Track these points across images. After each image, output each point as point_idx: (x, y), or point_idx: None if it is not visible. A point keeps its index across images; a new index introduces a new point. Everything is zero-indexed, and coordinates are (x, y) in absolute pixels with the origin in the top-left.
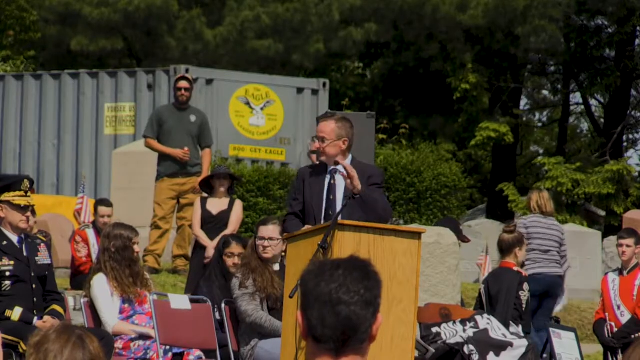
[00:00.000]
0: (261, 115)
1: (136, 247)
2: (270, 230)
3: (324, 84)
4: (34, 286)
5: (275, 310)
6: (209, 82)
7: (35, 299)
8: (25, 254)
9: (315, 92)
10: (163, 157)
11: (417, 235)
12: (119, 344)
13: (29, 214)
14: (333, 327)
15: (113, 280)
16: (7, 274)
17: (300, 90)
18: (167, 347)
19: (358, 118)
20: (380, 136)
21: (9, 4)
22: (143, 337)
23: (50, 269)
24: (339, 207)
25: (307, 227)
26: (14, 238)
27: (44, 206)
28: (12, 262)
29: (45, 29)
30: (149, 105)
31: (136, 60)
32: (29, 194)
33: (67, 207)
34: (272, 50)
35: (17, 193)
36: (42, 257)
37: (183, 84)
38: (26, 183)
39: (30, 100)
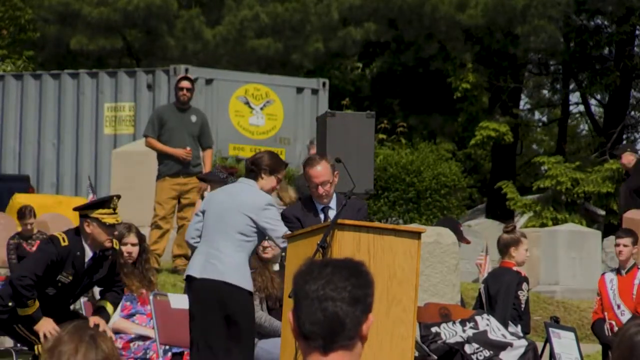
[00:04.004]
0: (261, 115)
1: (127, 247)
2: None
3: (324, 84)
4: (69, 300)
5: (275, 310)
6: (209, 81)
7: (58, 309)
8: (86, 271)
9: (315, 91)
10: (164, 157)
11: (416, 235)
12: (118, 344)
13: (115, 232)
14: (320, 323)
15: None
16: (59, 284)
17: (300, 90)
18: (167, 347)
19: (357, 118)
20: (380, 136)
21: (3, 3)
22: (143, 336)
23: (107, 277)
24: None
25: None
26: (89, 254)
27: (44, 206)
28: (70, 278)
29: (44, 28)
30: (149, 105)
31: (135, 59)
32: (116, 211)
33: (67, 207)
34: (272, 49)
35: (107, 211)
36: (101, 273)
37: (185, 83)
38: (115, 201)
39: (30, 100)
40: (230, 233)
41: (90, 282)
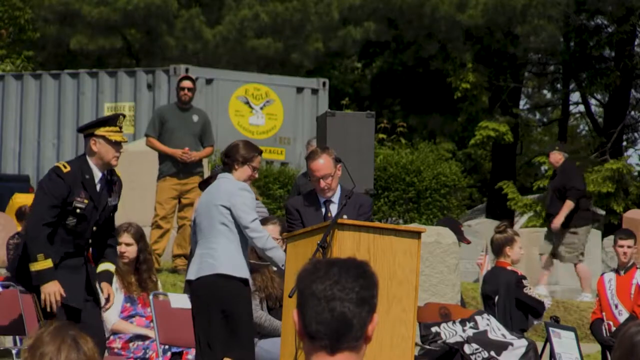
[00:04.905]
0: (261, 115)
1: (121, 247)
2: (270, 230)
3: (324, 84)
4: (94, 228)
5: (275, 309)
6: (209, 81)
7: (84, 241)
8: (100, 193)
9: (315, 91)
10: (165, 157)
11: (416, 234)
12: (117, 344)
13: (122, 150)
14: (327, 323)
15: (117, 274)
16: (78, 211)
17: (299, 90)
18: (166, 347)
19: (357, 117)
20: (380, 136)
21: (3, 3)
22: (142, 336)
23: (115, 209)
24: None
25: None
26: (98, 175)
27: None
28: (86, 201)
29: (44, 28)
30: (149, 105)
31: (135, 59)
32: (122, 130)
33: None
34: (272, 49)
35: (112, 128)
36: (114, 197)
37: (186, 83)
38: (121, 119)
39: (30, 100)
40: (216, 228)
41: (107, 208)
